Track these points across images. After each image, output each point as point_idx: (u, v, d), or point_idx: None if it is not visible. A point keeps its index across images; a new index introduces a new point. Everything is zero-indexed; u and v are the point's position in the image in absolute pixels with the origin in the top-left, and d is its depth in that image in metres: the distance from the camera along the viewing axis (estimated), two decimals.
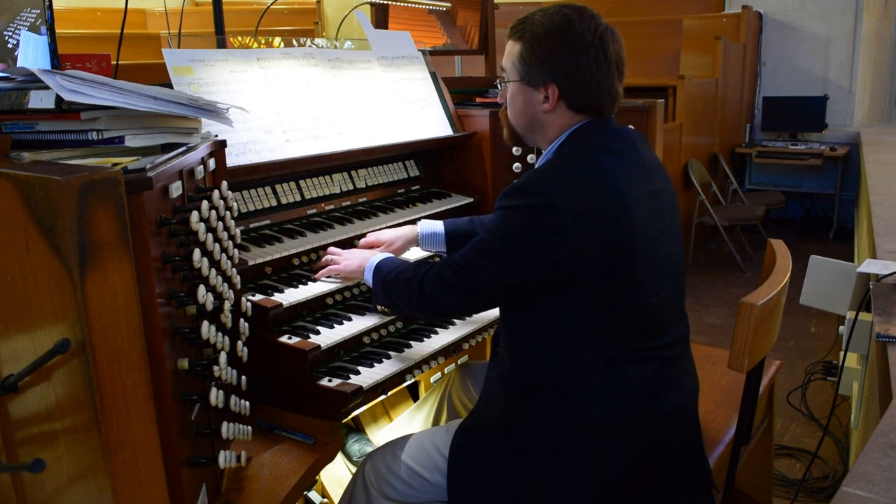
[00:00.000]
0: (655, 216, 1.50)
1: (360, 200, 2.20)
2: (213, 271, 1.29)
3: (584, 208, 1.40)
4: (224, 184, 1.47)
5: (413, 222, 2.07)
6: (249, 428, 1.49)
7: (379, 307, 1.78)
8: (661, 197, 1.54)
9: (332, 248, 1.88)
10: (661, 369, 1.52)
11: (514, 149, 2.47)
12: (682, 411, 1.57)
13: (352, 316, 1.82)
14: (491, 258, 1.47)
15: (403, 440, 1.71)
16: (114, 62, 1.82)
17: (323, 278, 1.83)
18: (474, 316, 2.03)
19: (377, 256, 1.77)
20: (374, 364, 1.73)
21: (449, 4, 3.09)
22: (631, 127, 1.72)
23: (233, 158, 1.81)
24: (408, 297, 1.62)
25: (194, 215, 1.22)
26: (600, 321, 1.44)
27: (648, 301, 1.47)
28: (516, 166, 2.49)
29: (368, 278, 1.75)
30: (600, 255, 1.40)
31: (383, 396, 1.79)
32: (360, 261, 1.78)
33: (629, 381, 1.47)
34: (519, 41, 1.54)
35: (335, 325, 1.76)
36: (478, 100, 2.73)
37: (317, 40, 2.26)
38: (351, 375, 1.67)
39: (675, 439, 1.55)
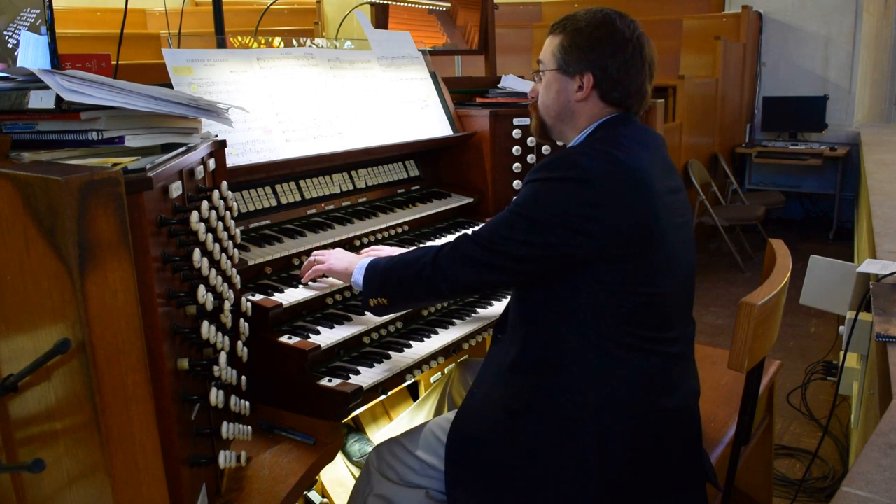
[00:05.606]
0: (673, 211, 1.55)
1: (360, 200, 2.20)
2: (213, 271, 1.29)
3: (617, 187, 1.44)
4: (224, 184, 1.47)
5: (413, 222, 2.06)
6: (249, 428, 1.49)
7: (372, 302, 1.66)
8: (679, 195, 1.60)
9: (315, 252, 1.82)
10: (664, 366, 1.53)
11: (514, 148, 2.47)
12: (683, 411, 1.58)
13: (352, 316, 1.82)
14: (521, 229, 1.47)
15: (409, 430, 1.74)
16: (114, 62, 1.82)
17: (309, 282, 1.80)
18: (475, 315, 2.03)
19: (367, 258, 1.72)
20: (374, 364, 1.73)
21: (449, 4, 3.09)
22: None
23: (233, 158, 1.81)
24: (417, 276, 1.58)
25: (194, 215, 1.22)
26: (614, 303, 1.46)
27: (659, 290, 1.49)
28: (516, 166, 2.49)
29: (358, 278, 1.69)
30: (624, 235, 1.44)
31: (383, 396, 1.79)
32: (347, 263, 1.74)
33: (631, 373, 1.48)
34: (560, 34, 1.59)
35: (335, 325, 1.76)
36: (478, 100, 2.73)
37: (317, 40, 2.26)
38: (351, 375, 1.66)
39: (675, 438, 1.56)
